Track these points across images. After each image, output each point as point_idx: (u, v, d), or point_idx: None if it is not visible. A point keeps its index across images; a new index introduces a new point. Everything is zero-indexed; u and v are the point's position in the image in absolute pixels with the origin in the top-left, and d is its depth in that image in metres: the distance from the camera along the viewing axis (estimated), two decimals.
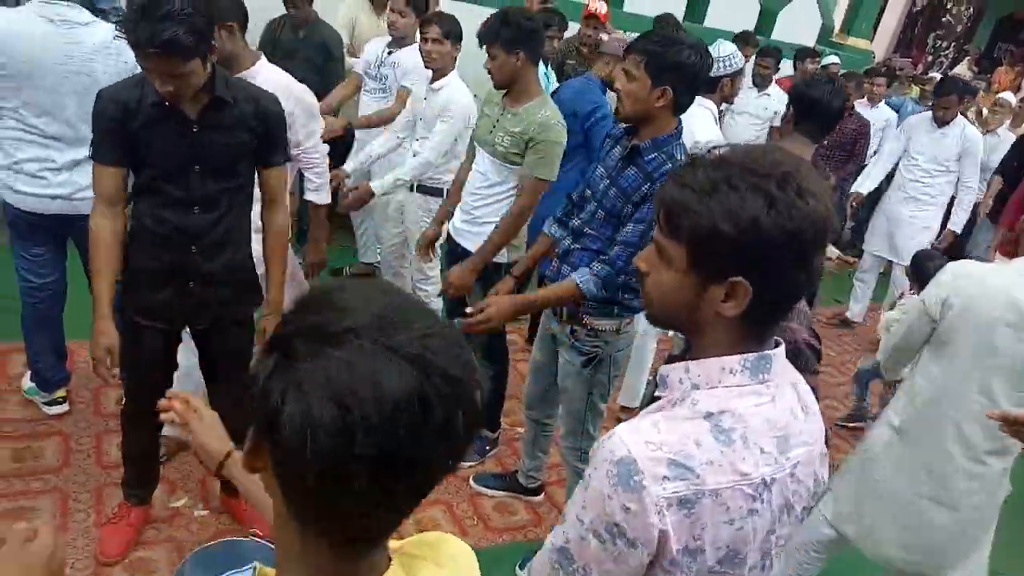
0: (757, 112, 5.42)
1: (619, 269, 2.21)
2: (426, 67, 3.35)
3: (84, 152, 2.47)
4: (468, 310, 2.32)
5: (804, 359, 1.55)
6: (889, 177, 5.25)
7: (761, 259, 0.97)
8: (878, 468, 2.28)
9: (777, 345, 1.08)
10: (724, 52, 3.50)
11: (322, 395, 0.62)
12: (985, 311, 2.04)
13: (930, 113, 4.94)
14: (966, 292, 2.08)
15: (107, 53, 2.47)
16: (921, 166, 4.91)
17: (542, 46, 2.75)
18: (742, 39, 5.72)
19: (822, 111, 2.58)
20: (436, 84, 3.32)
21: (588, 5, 4.79)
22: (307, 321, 0.67)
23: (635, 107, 2.17)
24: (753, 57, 5.52)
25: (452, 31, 3.22)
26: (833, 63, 6.29)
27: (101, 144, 2.05)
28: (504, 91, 2.81)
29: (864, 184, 5.26)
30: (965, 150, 4.79)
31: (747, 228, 0.95)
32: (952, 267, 2.18)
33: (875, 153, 5.58)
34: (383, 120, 3.81)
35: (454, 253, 3.09)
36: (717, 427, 1.01)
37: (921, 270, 3.53)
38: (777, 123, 5.37)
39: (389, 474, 0.64)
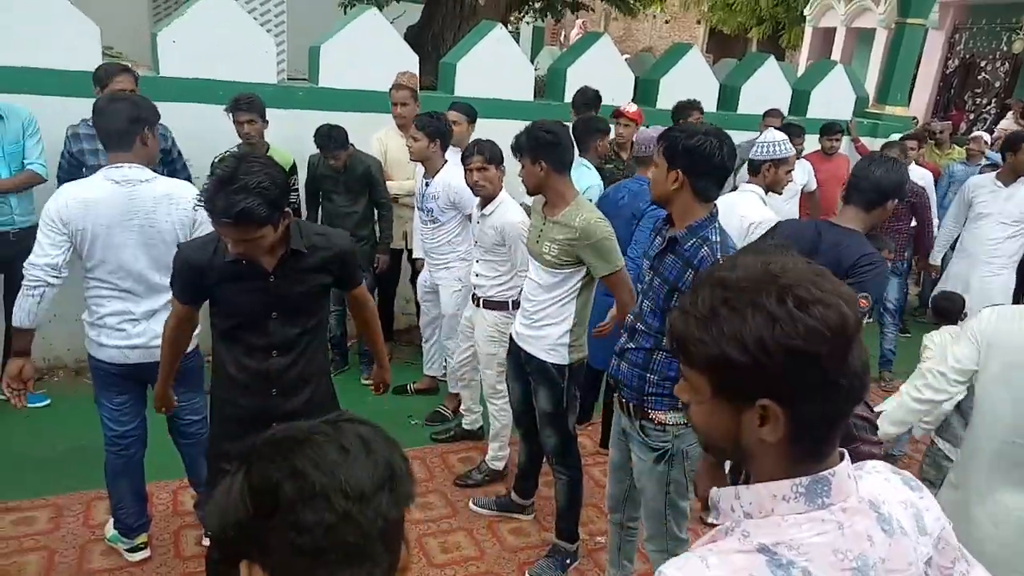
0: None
1: None
2: (475, 195, 3.46)
3: (161, 300, 2.63)
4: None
5: (857, 429, 1.43)
6: (953, 244, 5.14)
7: (780, 379, 0.92)
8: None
9: (842, 458, 1.00)
10: (767, 138, 3.55)
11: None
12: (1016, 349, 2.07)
13: (993, 174, 4.84)
14: (998, 331, 2.12)
15: (169, 203, 2.61)
16: (986, 228, 4.75)
17: (567, 154, 2.85)
18: (769, 114, 5.80)
19: (877, 188, 2.61)
20: (487, 209, 3.40)
21: (620, 107, 4.95)
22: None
23: (656, 190, 2.33)
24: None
25: (494, 155, 3.33)
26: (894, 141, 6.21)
27: (177, 287, 2.25)
28: (544, 201, 2.91)
29: (937, 255, 5.21)
30: None
31: (755, 351, 0.91)
32: (987, 310, 2.25)
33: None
34: None
35: (518, 358, 3.10)
36: (774, 560, 0.92)
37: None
38: (810, 189, 5.70)
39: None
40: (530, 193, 2.94)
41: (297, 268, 2.15)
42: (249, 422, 2.24)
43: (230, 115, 3.99)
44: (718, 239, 2.26)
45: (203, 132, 4.20)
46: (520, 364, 3.10)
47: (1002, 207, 4.68)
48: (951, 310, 4.09)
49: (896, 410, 2.48)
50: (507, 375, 3.28)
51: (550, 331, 2.92)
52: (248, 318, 2.17)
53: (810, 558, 0.92)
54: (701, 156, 2.21)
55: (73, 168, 3.73)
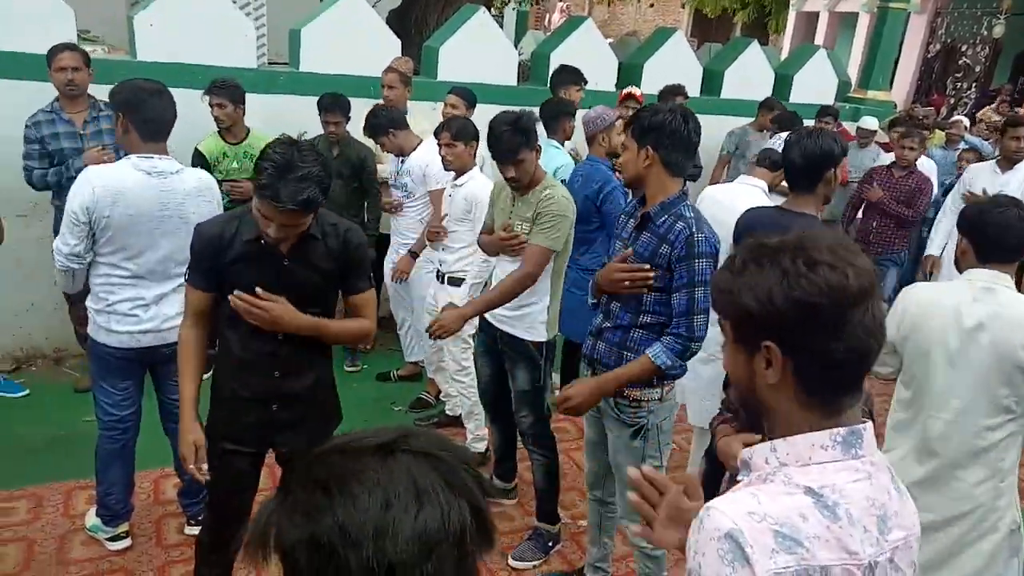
0: None
1: (686, 338, 2.29)
2: (446, 169, 3.54)
3: (171, 285, 2.68)
4: (557, 394, 2.42)
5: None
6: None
7: (781, 326, 1.03)
8: None
9: (864, 422, 1.09)
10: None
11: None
12: (934, 323, 2.21)
13: (993, 161, 4.84)
14: (915, 308, 2.28)
15: (198, 196, 2.68)
16: None
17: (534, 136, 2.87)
18: (766, 106, 5.77)
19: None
20: (459, 180, 3.49)
21: (623, 92, 4.99)
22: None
23: (629, 171, 2.36)
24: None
25: (461, 132, 3.40)
26: (866, 127, 6.24)
27: (195, 271, 2.22)
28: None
29: (933, 246, 5.12)
30: None
31: (763, 299, 1.03)
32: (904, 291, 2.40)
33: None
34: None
35: (492, 340, 3.12)
36: (820, 502, 1.00)
37: None
38: None
39: None
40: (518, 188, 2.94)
41: (310, 254, 2.17)
42: (250, 402, 2.27)
43: (206, 100, 3.95)
44: (692, 214, 2.30)
45: (182, 117, 4.11)
46: (492, 346, 3.12)
47: (998, 193, 4.69)
48: None
49: None
50: (476, 358, 3.31)
51: (531, 310, 2.95)
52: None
53: (851, 501, 1.01)
54: (668, 131, 2.26)
55: (44, 156, 3.67)
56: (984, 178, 4.79)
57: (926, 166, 5.88)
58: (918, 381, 2.27)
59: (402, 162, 4.05)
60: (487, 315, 3.13)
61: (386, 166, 4.52)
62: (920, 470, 2.23)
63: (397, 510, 0.69)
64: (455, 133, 3.39)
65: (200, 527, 2.50)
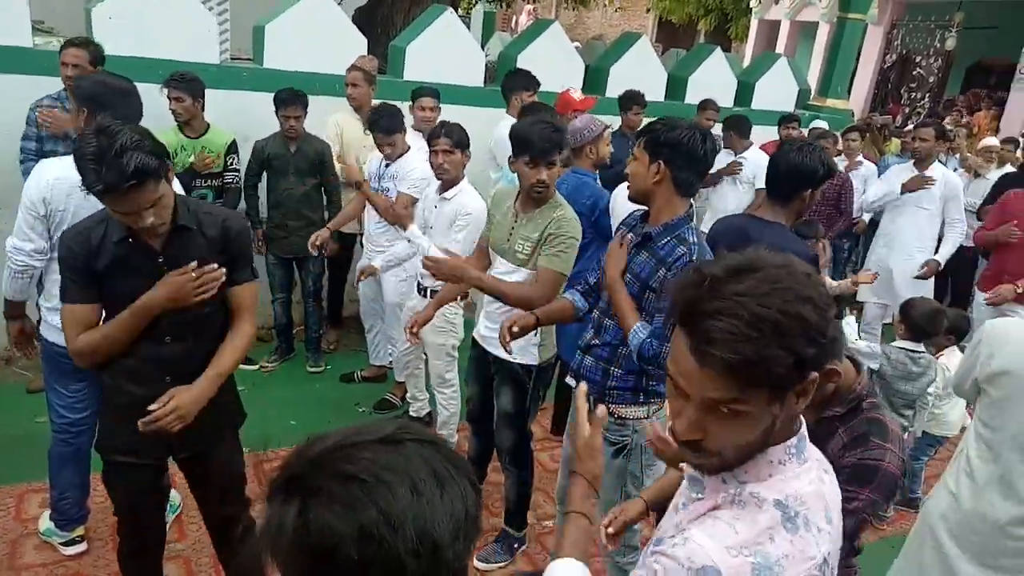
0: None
1: (652, 357, 2.18)
2: (437, 178, 3.36)
3: None
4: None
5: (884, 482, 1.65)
6: (874, 229, 5.36)
7: (827, 347, 0.97)
8: (937, 538, 2.19)
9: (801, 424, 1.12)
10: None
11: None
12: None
13: (911, 163, 5.05)
14: (1008, 346, 2.05)
15: None
16: (904, 212, 4.98)
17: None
18: (702, 107, 5.86)
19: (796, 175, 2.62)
20: (447, 193, 3.32)
21: (562, 94, 4.71)
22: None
23: (636, 184, 2.26)
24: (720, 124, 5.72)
25: (460, 140, 3.24)
26: (818, 128, 6.40)
27: (72, 286, 2.02)
28: (516, 197, 2.82)
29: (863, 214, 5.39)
30: (948, 195, 4.89)
31: (814, 338, 0.95)
32: (990, 323, 2.17)
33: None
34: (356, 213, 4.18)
35: (483, 360, 3.05)
36: (786, 515, 1.02)
37: (909, 314, 3.49)
38: (760, 185, 5.51)
39: None
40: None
41: (186, 247, 2.04)
42: (140, 410, 2.04)
43: (164, 92, 3.88)
44: (695, 239, 2.21)
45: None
46: (483, 365, 3.05)
47: (915, 192, 4.89)
48: (964, 328, 3.85)
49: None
50: (467, 376, 3.22)
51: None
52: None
53: (808, 507, 1.04)
54: (684, 148, 2.16)
55: (39, 140, 3.65)
56: (904, 178, 5.00)
57: (868, 169, 6.07)
58: (1012, 419, 2.06)
59: (386, 165, 3.88)
60: (476, 335, 3.07)
61: (365, 168, 4.47)
62: (1007, 513, 2.07)
63: (427, 494, 0.73)
64: (456, 141, 3.22)
65: (118, 537, 2.36)
